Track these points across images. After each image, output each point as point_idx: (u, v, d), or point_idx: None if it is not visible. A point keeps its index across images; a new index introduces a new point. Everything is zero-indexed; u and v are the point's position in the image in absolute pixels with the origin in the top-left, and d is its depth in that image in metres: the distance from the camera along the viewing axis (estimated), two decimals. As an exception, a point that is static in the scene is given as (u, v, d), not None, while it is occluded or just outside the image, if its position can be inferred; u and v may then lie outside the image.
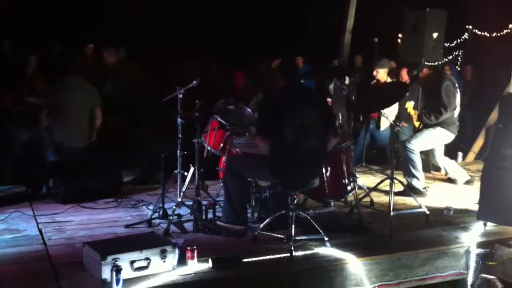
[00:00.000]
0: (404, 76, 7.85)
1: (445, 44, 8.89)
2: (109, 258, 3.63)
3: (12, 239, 4.48)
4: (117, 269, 3.55)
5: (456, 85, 6.25)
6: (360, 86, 7.59)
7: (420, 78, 6.24)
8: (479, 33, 11.46)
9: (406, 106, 6.25)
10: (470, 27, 11.65)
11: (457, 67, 11.51)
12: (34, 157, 6.55)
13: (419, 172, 6.14)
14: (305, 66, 10.97)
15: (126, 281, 3.61)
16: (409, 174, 6.17)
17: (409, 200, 5.76)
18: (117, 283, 3.54)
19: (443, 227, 5.08)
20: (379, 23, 9.69)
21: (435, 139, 6.21)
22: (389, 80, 7.45)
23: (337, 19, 7.73)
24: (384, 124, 7.59)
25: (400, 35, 7.79)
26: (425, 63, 7.28)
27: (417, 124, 6.37)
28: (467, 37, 11.63)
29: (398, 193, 5.82)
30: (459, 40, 11.68)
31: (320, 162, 4.64)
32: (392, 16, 8.22)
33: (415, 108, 6.37)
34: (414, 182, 6.14)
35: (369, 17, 8.76)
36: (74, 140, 6.28)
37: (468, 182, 6.73)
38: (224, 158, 5.29)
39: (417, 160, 6.11)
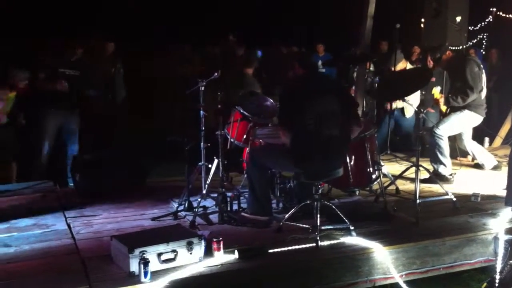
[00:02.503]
0: (431, 61, 7.76)
1: (469, 28, 8.77)
2: (137, 251, 3.67)
3: (42, 234, 4.56)
4: (145, 262, 3.59)
5: (481, 66, 6.14)
6: (383, 73, 7.54)
7: (443, 61, 6.14)
8: (504, 15, 11.23)
9: (433, 92, 6.16)
10: (494, 9, 11.42)
11: (482, 50, 11.31)
12: (63, 150, 6.58)
13: (446, 158, 6.07)
14: (326, 53, 10.90)
15: (154, 273, 3.65)
16: (436, 161, 6.10)
17: (435, 187, 5.70)
18: (145, 276, 3.58)
19: (471, 214, 5.02)
20: (400, 8, 9.57)
21: (463, 122, 6.12)
22: (409, 66, 7.36)
23: (359, 5, 7.62)
24: (410, 111, 7.51)
25: (422, 20, 7.67)
26: (449, 47, 7.20)
27: (443, 108, 6.28)
28: (491, 20, 11.41)
29: (424, 181, 5.77)
30: (483, 23, 11.45)
31: (343, 151, 4.62)
32: (414, 1, 8.12)
33: (441, 92, 6.27)
34: (441, 169, 6.07)
35: (390, 2, 8.64)
36: None
37: (495, 168, 6.63)
38: (247, 150, 5.29)
39: (445, 146, 6.04)
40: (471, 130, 6.46)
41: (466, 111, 6.01)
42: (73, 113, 6.55)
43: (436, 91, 6.13)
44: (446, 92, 6.37)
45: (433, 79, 6.49)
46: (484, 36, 11.83)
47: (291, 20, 11.90)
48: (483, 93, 6.10)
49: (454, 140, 6.66)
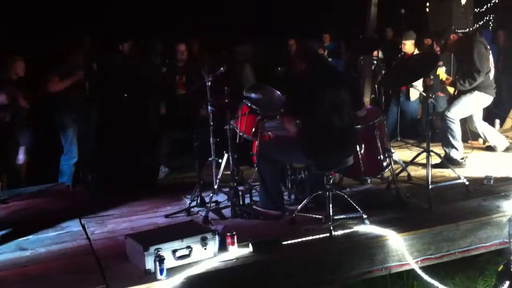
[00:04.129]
0: (438, 47, 7.70)
1: (475, 10, 8.68)
2: (152, 249, 3.69)
3: (57, 236, 4.60)
4: (160, 259, 3.61)
5: (488, 47, 6.09)
6: (390, 60, 7.49)
7: (449, 45, 6.09)
8: (510, -5, 11.11)
9: (438, 73, 6.10)
10: (500, -10, 11.30)
11: (490, 29, 11.21)
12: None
13: (458, 142, 6.03)
14: (333, 42, 10.83)
15: (170, 270, 3.67)
16: (447, 145, 6.07)
17: (447, 172, 5.67)
18: (161, 273, 3.60)
19: (484, 197, 4.99)
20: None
21: (474, 104, 6.07)
22: (416, 51, 7.31)
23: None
24: (414, 94, 7.45)
25: (427, 4, 7.61)
26: (456, 30, 7.13)
27: (451, 90, 6.22)
28: (497, 1, 11.29)
29: (435, 166, 5.73)
30: (489, 4, 11.33)
31: (353, 140, 4.61)
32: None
33: (447, 73, 6.22)
34: (453, 153, 6.04)
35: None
36: None
37: (508, 149, 6.58)
38: (257, 143, 5.29)
39: (457, 129, 6.00)
40: (482, 111, 6.41)
41: (476, 92, 5.97)
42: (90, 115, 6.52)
43: (442, 71, 6.06)
44: (453, 75, 6.32)
45: (440, 62, 6.44)
46: (491, 18, 11.71)
47: (299, 11, 11.81)
48: (491, 74, 6.05)
49: (465, 122, 6.61)
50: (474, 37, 6.18)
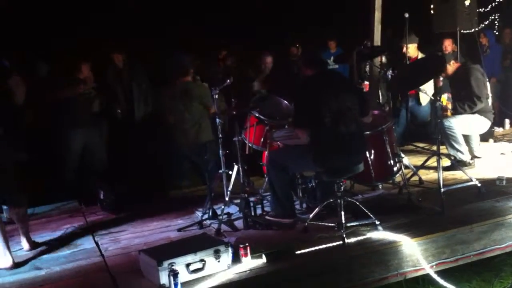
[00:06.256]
0: (449, 46, 7.70)
1: (480, 10, 8.66)
2: (165, 263, 3.70)
3: (71, 254, 4.63)
4: (174, 274, 3.62)
5: (484, 73, 6.16)
6: (395, 64, 7.46)
7: (448, 70, 6.13)
8: (515, -7, 11.07)
9: (441, 99, 6.15)
10: (505, -12, 11.26)
11: (495, 31, 11.16)
12: (87, 167, 6.49)
13: (461, 145, 6.01)
14: (339, 49, 10.83)
15: (184, 284, 3.68)
16: (452, 149, 6.05)
17: (459, 174, 5.65)
18: (176, 287, 3.61)
19: (497, 198, 4.96)
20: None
21: (473, 124, 6.08)
22: (421, 55, 7.31)
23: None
24: (425, 99, 7.45)
25: (432, 6, 7.61)
26: (461, 31, 7.12)
27: (450, 115, 6.20)
28: (501, 0, 11.26)
29: (446, 168, 5.71)
30: (493, 3, 11.30)
31: (362, 146, 4.60)
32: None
33: (449, 99, 6.26)
34: (460, 156, 6.02)
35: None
36: None
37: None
38: (266, 153, 5.30)
39: (458, 134, 5.97)
40: (478, 137, 6.36)
41: (476, 115, 6.03)
42: (96, 128, 6.54)
43: (444, 97, 6.11)
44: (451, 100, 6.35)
45: (440, 83, 6.50)
46: (496, 17, 11.67)
47: (303, 18, 11.81)
48: (490, 100, 6.13)
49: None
50: (470, 64, 6.21)
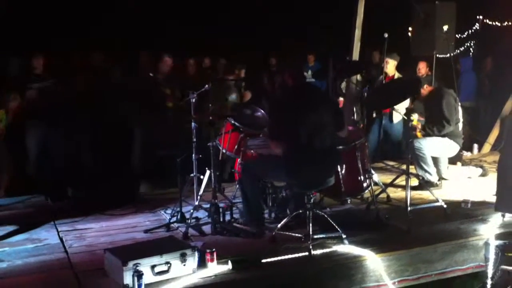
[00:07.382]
0: (422, 69, 7.83)
1: (457, 36, 8.85)
2: (130, 264, 3.67)
3: (34, 249, 4.55)
4: (139, 274, 3.60)
5: (457, 99, 6.29)
6: (373, 82, 7.58)
7: (421, 93, 6.24)
8: (490, 22, 11.36)
9: (412, 118, 6.25)
10: (481, 17, 11.55)
11: (470, 55, 11.45)
12: (51, 161, 6.39)
13: (430, 166, 6.10)
14: (317, 63, 10.92)
15: (148, 285, 3.66)
16: (421, 169, 6.14)
17: (426, 194, 5.75)
18: (139, 288, 3.59)
19: (461, 220, 5.06)
20: (389, 18, 9.63)
21: (442, 147, 6.16)
22: (397, 75, 7.43)
23: (348, 15, 7.68)
24: (397, 117, 7.57)
25: (410, 29, 7.76)
26: (437, 55, 7.27)
27: (419, 135, 6.32)
28: (478, 28, 11.54)
29: (414, 188, 5.80)
30: (470, 31, 11.58)
31: (335, 160, 4.65)
32: (402, 10, 8.19)
33: (419, 120, 6.37)
34: (428, 177, 6.12)
35: (378, 12, 8.70)
36: None
37: (483, 175, 6.69)
38: (239, 160, 5.31)
39: (427, 155, 6.06)
40: (447, 159, 6.48)
41: (446, 138, 6.13)
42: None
43: (415, 117, 6.21)
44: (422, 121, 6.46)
45: (412, 105, 6.61)
46: (472, 44, 11.96)
47: (279, 30, 11.89)
48: (460, 125, 6.23)
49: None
50: (443, 89, 6.35)
